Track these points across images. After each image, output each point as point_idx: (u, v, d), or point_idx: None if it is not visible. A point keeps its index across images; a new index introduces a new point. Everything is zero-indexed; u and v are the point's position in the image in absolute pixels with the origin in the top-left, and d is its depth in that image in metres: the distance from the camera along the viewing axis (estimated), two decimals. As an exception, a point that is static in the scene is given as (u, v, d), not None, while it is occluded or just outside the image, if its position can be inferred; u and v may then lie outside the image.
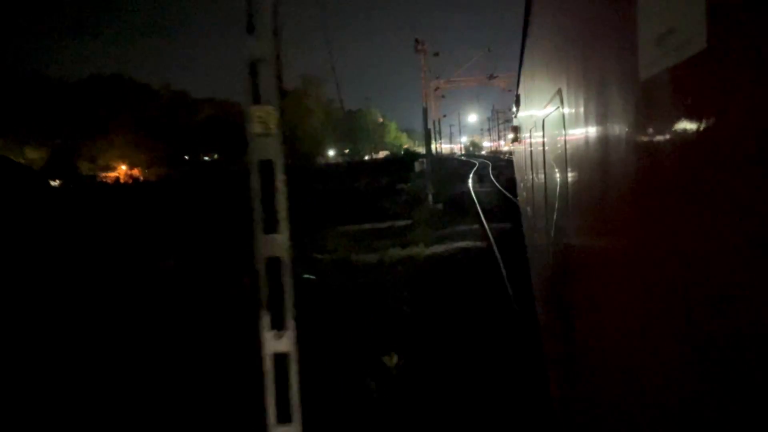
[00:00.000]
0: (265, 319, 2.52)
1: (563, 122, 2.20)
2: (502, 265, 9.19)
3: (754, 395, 0.61)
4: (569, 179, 2.11)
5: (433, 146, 31.18)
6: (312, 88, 67.50)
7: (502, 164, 47.29)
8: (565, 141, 2.16)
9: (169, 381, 5.15)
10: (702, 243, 0.74)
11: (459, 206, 19.09)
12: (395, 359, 5.33)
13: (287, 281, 2.52)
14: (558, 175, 2.56)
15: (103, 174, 53.27)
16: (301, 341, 2.63)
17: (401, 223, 16.37)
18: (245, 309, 3.02)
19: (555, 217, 2.77)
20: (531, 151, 5.51)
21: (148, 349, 6.03)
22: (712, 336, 0.72)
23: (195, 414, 4.57)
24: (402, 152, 79.34)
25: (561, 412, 2.82)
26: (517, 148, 12.22)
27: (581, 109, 1.73)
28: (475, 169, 44.21)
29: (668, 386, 0.92)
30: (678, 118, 0.80)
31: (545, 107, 3.14)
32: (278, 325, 2.52)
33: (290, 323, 2.52)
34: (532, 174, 5.19)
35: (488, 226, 13.65)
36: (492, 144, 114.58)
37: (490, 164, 51.41)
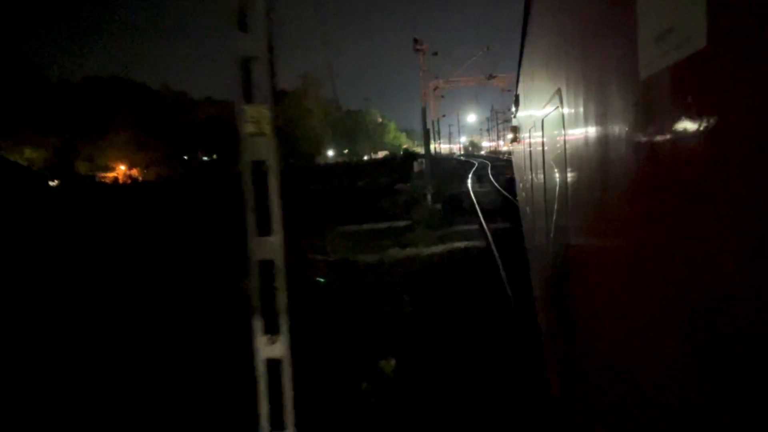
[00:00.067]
0: (258, 324, 2.47)
1: (563, 122, 2.19)
2: (501, 266, 9.17)
3: (755, 395, 0.61)
4: (569, 179, 2.10)
5: (432, 146, 31.23)
6: (312, 89, 67.51)
7: (501, 164, 47.37)
8: (565, 141, 2.15)
9: (161, 387, 5.08)
10: (702, 242, 0.74)
11: (458, 206, 19.10)
12: (393, 363, 5.28)
13: (281, 285, 2.47)
14: (557, 175, 2.55)
15: (102, 174, 53.27)
16: (298, 344, 2.58)
17: (400, 223, 16.33)
18: (241, 313, 2.97)
19: (554, 217, 2.77)
20: (530, 151, 5.50)
21: (138, 354, 5.97)
22: (713, 336, 0.72)
23: (188, 420, 4.51)
24: (401, 152, 79.34)
25: (561, 412, 2.81)
26: (516, 148, 12.26)
27: (581, 109, 1.72)
28: (474, 169, 44.30)
29: (669, 386, 0.92)
30: (678, 117, 0.80)
31: (544, 107, 3.12)
32: (272, 330, 2.47)
33: (284, 328, 2.47)
34: (532, 174, 5.18)
35: (487, 226, 13.63)
36: (491, 144, 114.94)
37: (489, 164, 51.51)
